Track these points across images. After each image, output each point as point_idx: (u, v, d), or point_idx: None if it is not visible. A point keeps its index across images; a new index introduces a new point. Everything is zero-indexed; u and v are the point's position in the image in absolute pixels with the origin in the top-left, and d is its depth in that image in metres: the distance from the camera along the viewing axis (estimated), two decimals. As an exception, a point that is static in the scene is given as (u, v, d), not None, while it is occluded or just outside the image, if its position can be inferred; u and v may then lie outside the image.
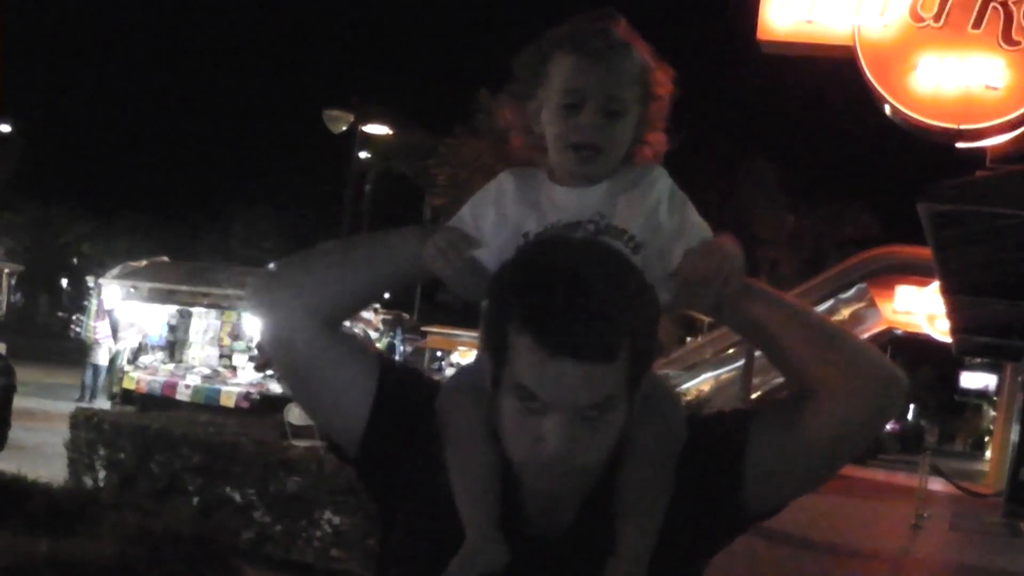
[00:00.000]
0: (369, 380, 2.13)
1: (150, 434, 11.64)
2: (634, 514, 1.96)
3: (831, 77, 20.76)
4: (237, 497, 10.97)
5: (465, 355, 34.09)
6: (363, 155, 36.52)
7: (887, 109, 17.15)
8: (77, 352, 28.00)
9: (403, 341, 35.03)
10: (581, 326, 1.79)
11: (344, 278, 2.14)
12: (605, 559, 1.93)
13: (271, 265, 2.21)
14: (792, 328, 2.07)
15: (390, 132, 34.81)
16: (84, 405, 18.48)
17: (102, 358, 27.50)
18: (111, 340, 26.77)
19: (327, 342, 2.11)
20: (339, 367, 2.12)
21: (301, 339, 2.10)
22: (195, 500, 11.01)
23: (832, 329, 2.13)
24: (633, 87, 2.09)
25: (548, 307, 1.81)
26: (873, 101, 17.46)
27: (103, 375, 27.68)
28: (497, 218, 2.10)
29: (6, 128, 57.19)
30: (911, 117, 16.96)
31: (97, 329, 26.24)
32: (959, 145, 17.28)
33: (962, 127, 16.69)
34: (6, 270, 29.17)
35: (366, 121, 32.16)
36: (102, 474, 11.89)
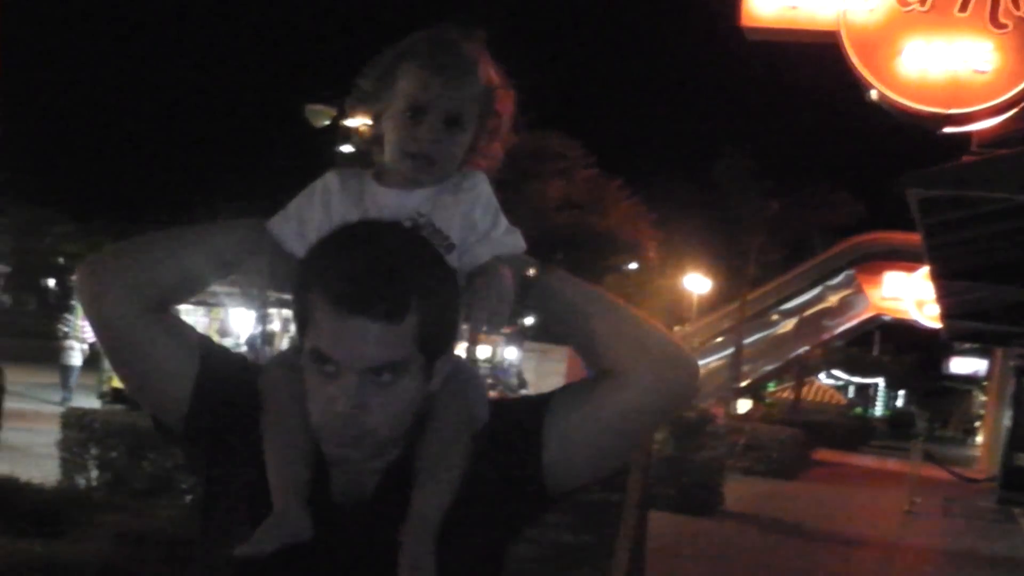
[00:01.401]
0: (191, 361, 2.20)
1: (140, 432, 11.56)
2: (427, 485, 2.06)
3: (815, 62, 20.68)
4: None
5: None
6: (346, 149, 36.26)
7: (873, 94, 17.08)
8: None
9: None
10: (369, 284, 1.93)
11: (171, 265, 2.19)
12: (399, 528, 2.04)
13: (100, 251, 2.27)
14: (592, 311, 2.18)
15: (371, 124, 34.53)
16: (74, 405, 18.40)
17: (75, 359, 27.51)
18: (86, 341, 26.84)
19: (149, 326, 2.17)
20: (161, 349, 2.18)
21: (124, 322, 2.15)
22: (188, 498, 10.95)
23: (628, 314, 2.22)
24: (473, 104, 2.20)
25: (340, 268, 1.96)
26: (859, 86, 17.41)
27: (76, 375, 27.69)
28: (322, 215, 2.19)
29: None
30: (898, 102, 16.90)
31: (85, 328, 26.12)
32: (946, 130, 17.26)
33: (950, 111, 16.66)
34: (-7, 271, 29.11)
35: (345, 115, 31.98)
36: (95, 473, 11.81)
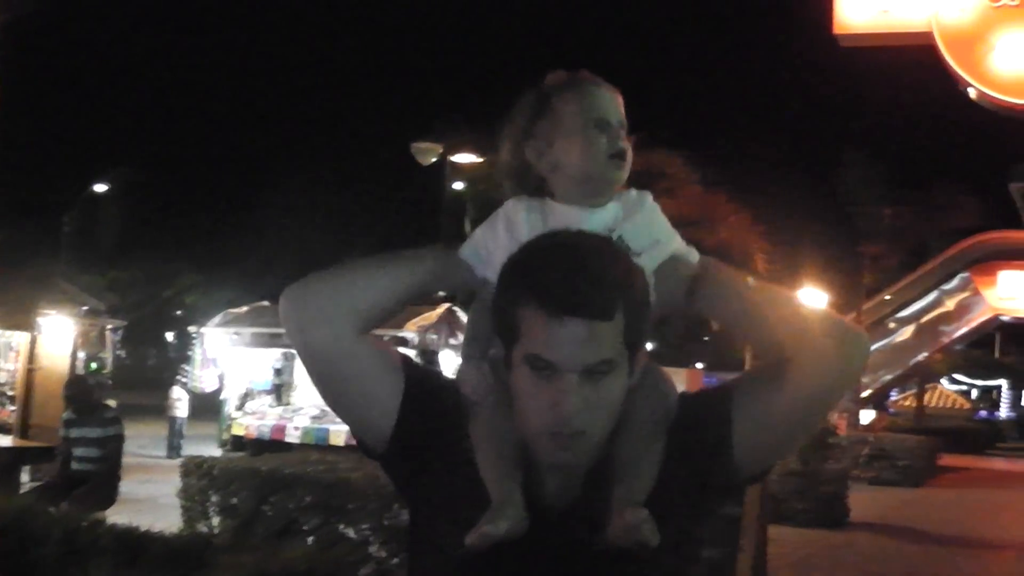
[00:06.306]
0: (396, 380, 2.32)
1: (261, 476, 11.71)
2: (628, 478, 2.14)
3: (914, 65, 20.48)
4: (352, 533, 11.01)
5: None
6: (458, 186, 36.25)
7: (972, 92, 16.92)
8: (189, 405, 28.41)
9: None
10: (581, 287, 2.03)
11: (374, 290, 2.31)
12: (605, 527, 2.10)
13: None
14: (755, 299, 2.30)
15: (480, 160, 34.38)
16: (192, 454, 18.69)
17: (180, 411, 27.87)
18: (186, 393, 27.27)
19: (360, 350, 2.29)
20: (369, 372, 2.31)
21: (336, 345, 2.27)
22: (311, 539, 11.05)
23: (790, 298, 2.37)
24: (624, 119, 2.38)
25: (550, 275, 2.05)
26: (956, 86, 17.24)
27: (183, 427, 28.08)
28: (507, 240, 2.28)
29: (103, 188, 57.91)
30: (995, 98, 16.71)
31: (203, 378, 26.53)
32: (1046, 122, 17.01)
33: (1047, 104, 16.40)
34: (109, 326, 29.56)
35: (452, 151, 31.95)
36: (216, 520, 11.96)
